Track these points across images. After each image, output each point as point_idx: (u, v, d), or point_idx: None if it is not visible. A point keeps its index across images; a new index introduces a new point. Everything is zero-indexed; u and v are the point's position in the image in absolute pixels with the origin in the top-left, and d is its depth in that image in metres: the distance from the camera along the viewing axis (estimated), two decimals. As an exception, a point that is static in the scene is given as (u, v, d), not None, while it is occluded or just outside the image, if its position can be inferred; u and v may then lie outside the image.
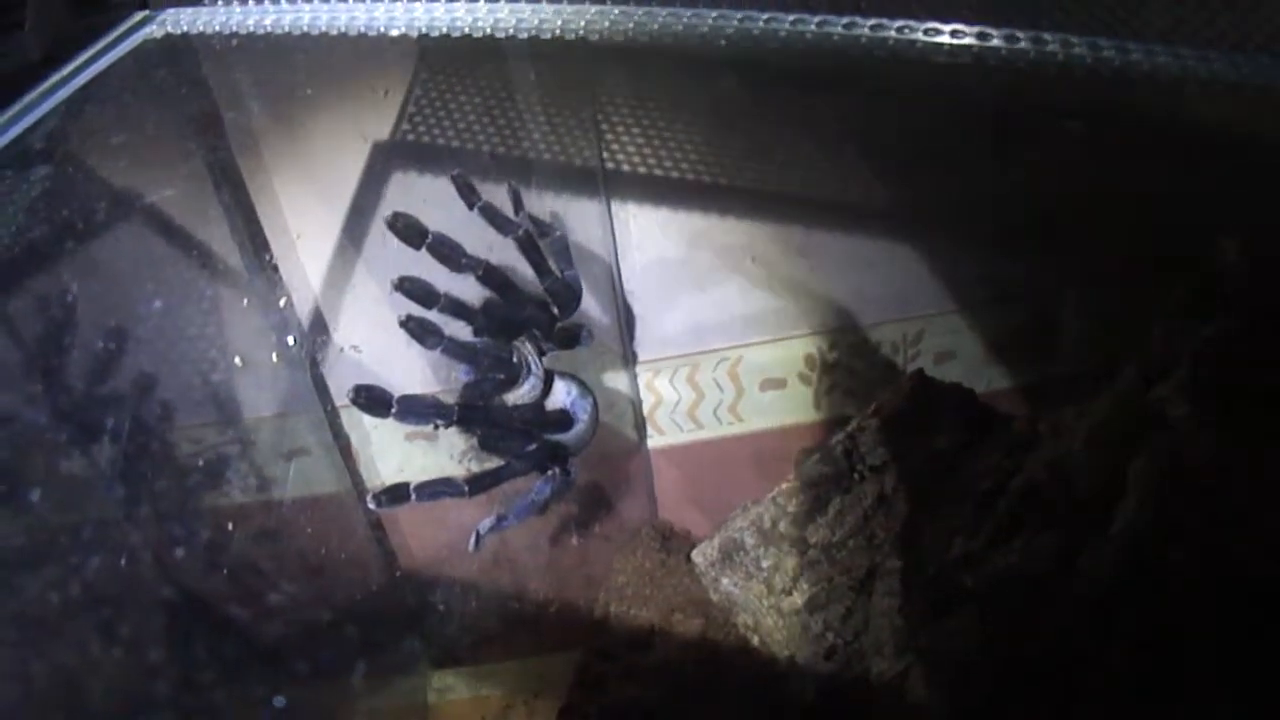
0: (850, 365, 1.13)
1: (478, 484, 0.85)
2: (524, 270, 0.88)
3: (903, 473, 0.89)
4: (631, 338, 1.14)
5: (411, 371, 0.95)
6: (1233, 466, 0.56)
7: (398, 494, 0.81)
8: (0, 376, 0.83)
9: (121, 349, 0.85)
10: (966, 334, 1.11)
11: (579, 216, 1.04)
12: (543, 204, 0.98)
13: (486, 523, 0.90)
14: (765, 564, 0.94)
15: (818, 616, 0.89)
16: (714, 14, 0.79)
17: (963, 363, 1.11)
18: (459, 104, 1.03)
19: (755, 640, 0.95)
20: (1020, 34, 0.75)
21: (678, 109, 1.03)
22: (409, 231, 0.79)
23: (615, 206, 1.07)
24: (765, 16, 0.78)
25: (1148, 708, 0.58)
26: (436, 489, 0.83)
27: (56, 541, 0.79)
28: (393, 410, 0.77)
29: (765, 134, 1.04)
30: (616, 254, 1.09)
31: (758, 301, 1.11)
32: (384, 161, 1.03)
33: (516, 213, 0.91)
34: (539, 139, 1.04)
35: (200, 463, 0.87)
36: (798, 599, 0.91)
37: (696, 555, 1.01)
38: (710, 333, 1.13)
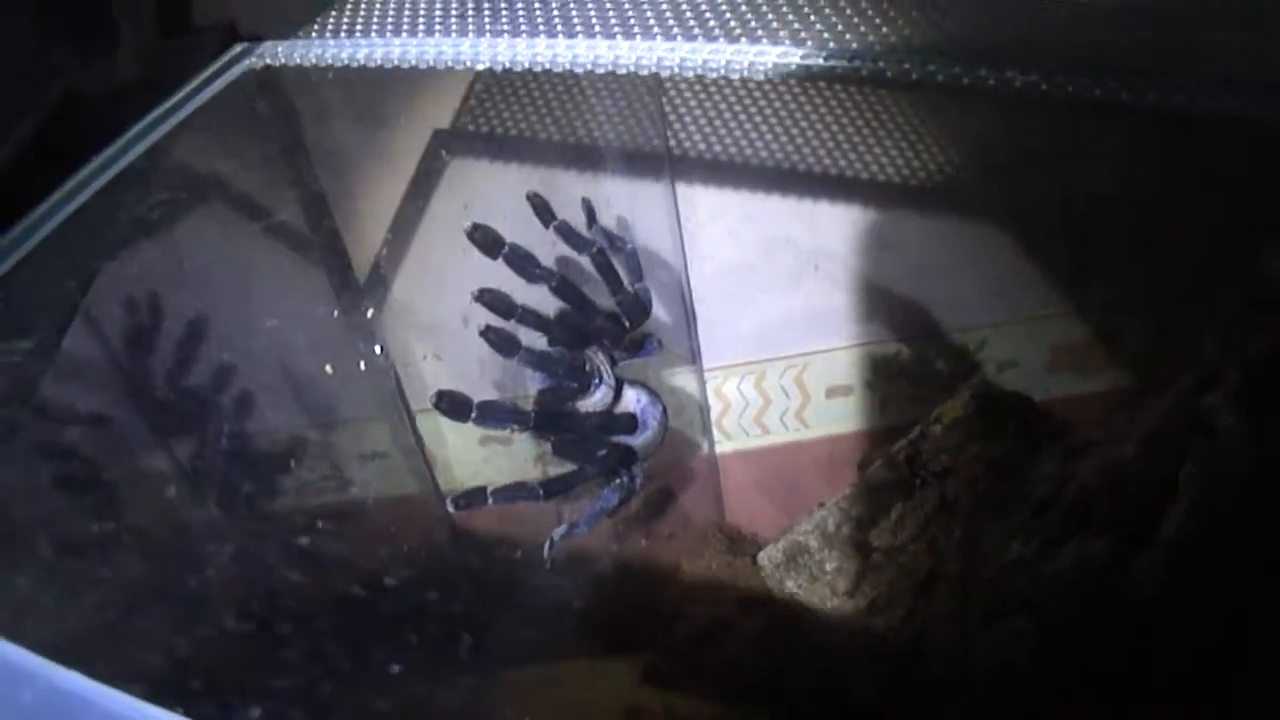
0: (914, 373, 1.14)
1: (551, 488, 0.87)
2: (593, 275, 0.91)
3: (963, 479, 0.90)
4: (700, 345, 1.16)
5: (486, 379, 0.99)
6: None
7: (475, 498, 0.84)
8: (111, 382, 0.89)
9: (227, 358, 0.90)
10: (1027, 343, 1.11)
11: (648, 227, 1.07)
12: (611, 211, 1.01)
13: (559, 531, 0.93)
14: (829, 567, 0.96)
15: (879, 619, 0.90)
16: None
17: (1023, 371, 1.12)
18: (534, 130, 1.07)
19: (818, 641, 0.97)
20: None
21: (747, 116, 1.06)
22: (488, 242, 0.83)
23: (684, 215, 1.10)
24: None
25: (1199, 713, 0.59)
26: (513, 493, 0.85)
27: (161, 531, 0.84)
28: (473, 415, 0.79)
29: (838, 143, 1.05)
30: (685, 262, 1.12)
31: (824, 309, 1.13)
32: (463, 184, 1.08)
33: (589, 226, 0.94)
34: (608, 155, 1.07)
35: (292, 462, 0.92)
36: (860, 601, 0.92)
37: (762, 558, 1.03)
38: (777, 340, 1.15)
